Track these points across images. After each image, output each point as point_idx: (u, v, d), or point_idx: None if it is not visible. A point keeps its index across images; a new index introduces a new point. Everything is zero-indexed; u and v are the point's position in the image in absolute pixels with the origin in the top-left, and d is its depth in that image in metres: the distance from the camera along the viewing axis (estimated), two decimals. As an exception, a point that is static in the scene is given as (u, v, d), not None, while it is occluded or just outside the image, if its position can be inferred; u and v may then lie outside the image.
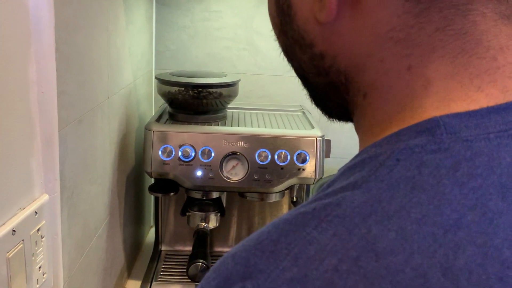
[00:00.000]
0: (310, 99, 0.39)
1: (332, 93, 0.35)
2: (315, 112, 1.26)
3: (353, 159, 0.30)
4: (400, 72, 0.30)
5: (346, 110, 0.36)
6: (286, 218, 0.28)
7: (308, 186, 1.14)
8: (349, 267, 0.24)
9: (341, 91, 0.34)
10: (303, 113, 1.17)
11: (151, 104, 1.30)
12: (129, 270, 1.11)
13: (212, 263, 0.99)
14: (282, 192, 1.03)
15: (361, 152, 0.30)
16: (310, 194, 1.16)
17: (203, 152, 0.94)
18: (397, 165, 0.27)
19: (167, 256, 1.13)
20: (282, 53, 0.38)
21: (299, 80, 0.38)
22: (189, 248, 1.09)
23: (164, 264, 1.10)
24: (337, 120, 0.39)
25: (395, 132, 0.29)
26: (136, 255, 1.20)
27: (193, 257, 0.94)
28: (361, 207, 0.26)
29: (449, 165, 0.26)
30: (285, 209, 1.16)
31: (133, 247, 1.15)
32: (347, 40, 0.32)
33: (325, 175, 1.09)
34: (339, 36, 0.32)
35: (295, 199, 1.06)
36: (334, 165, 1.34)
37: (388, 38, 0.30)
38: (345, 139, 1.32)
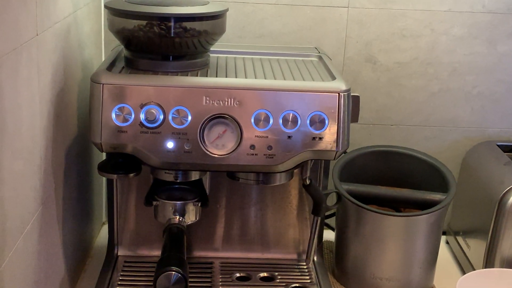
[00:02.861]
0: None
1: None
2: (338, 57, 1.25)
3: None
4: None
5: None
6: None
7: (327, 163, 1.13)
8: None
9: None
10: (320, 58, 1.16)
11: (100, 46, 1.29)
12: (72, 283, 1.12)
13: (191, 272, 1.00)
14: (289, 172, 1.03)
15: None
16: (330, 175, 1.16)
17: (175, 114, 0.93)
18: None
19: (127, 264, 1.14)
20: None
21: None
22: (157, 252, 1.10)
23: (122, 274, 1.10)
24: None
25: None
26: (83, 263, 1.20)
27: (162, 264, 0.94)
28: None
29: None
30: (294, 195, 1.16)
31: (79, 251, 1.15)
32: None
33: (351, 148, 1.09)
34: None
35: (308, 182, 1.06)
36: (364, 133, 1.34)
37: None
38: (380, 96, 1.31)
